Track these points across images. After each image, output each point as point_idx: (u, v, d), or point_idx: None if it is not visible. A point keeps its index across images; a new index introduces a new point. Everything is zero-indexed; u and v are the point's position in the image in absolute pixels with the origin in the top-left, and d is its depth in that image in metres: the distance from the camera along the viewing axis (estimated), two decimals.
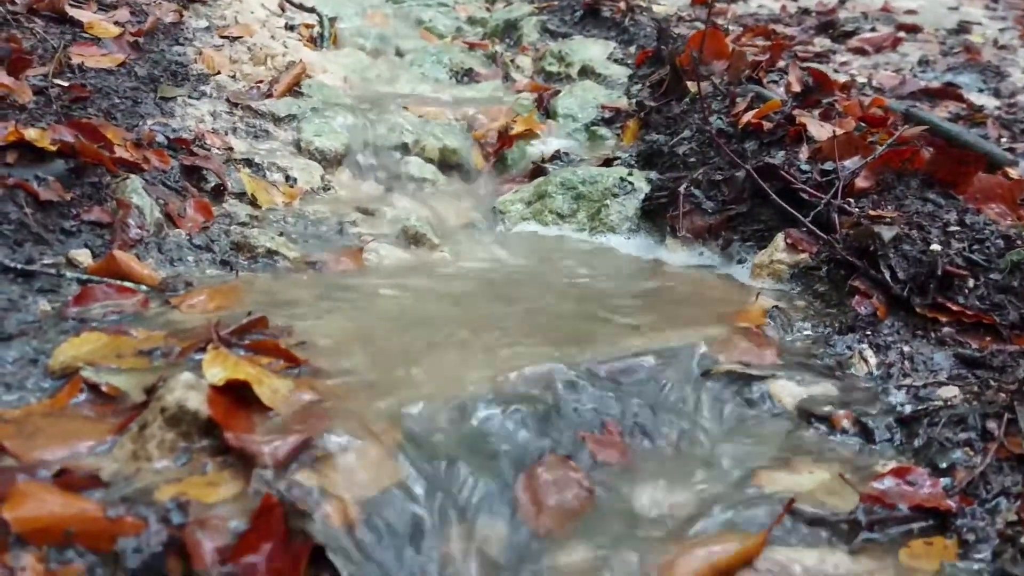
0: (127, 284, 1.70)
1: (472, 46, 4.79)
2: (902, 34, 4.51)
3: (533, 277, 2.02)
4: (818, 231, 1.80)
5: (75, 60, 2.65)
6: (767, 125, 2.23)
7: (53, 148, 1.95)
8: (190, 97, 2.80)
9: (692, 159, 2.40)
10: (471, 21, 5.38)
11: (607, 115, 3.37)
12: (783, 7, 5.01)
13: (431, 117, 3.09)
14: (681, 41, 3.66)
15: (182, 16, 3.42)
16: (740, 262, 2.07)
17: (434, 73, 4.25)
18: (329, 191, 2.56)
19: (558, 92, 3.58)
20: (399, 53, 4.60)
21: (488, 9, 5.61)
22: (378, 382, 1.37)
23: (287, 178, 2.46)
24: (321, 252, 2.08)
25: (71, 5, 3.06)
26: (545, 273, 2.06)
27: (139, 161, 2.13)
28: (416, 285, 1.88)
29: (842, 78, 3.59)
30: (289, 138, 2.79)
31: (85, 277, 1.68)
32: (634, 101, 3.47)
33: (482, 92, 3.94)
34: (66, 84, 2.47)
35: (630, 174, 2.55)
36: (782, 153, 2.11)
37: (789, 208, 1.88)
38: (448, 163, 2.94)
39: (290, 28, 4.53)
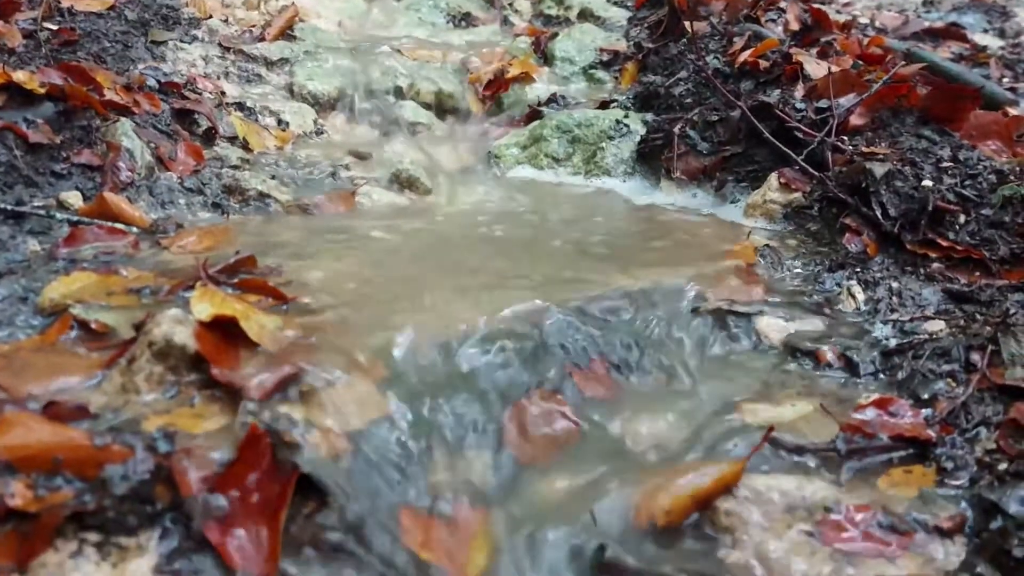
0: (118, 226, 1.70)
1: None
2: None
3: (525, 220, 2.01)
4: (811, 169, 1.79)
5: (64, 3, 2.62)
6: (763, 64, 2.20)
7: (42, 91, 1.94)
8: (181, 41, 2.77)
9: (688, 100, 2.37)
10: None
11: (605, 58, 3.33)
12: None
13: (426, 60, 3.05)
14: None
15: None
16: (734, 202, 2.06)
17: (431, 18, 4.18)
18: (322, 135, 2.55)
19: (556, 35, 3.53)
20: None
21: None
22: (366, 320, 1.37)
23: (279, 122, 2.44)
24: (313, 195, 2.08)
25: None
26: (538, 216, 2.06)
27: (129, 104, 2.12)
28: (408, 227, 1.88)
29: (844, 19, 3.54)
30: (282, 82, 2.76)
31: (75, 219, 1.68)
32: (632, 43, 3.43)
33: (480, 36, 3.89)
34: (55, 28, 2.45)
35: (626, 116, 2.52)
36: (778, 92, 2.09)
37: (783, 148, 1.87)
38: (443, 107, 2.92)
39: None
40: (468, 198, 2.26)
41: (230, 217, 1.86)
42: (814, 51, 2.32)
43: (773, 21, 2.53)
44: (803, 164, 1.80)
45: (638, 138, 2.44)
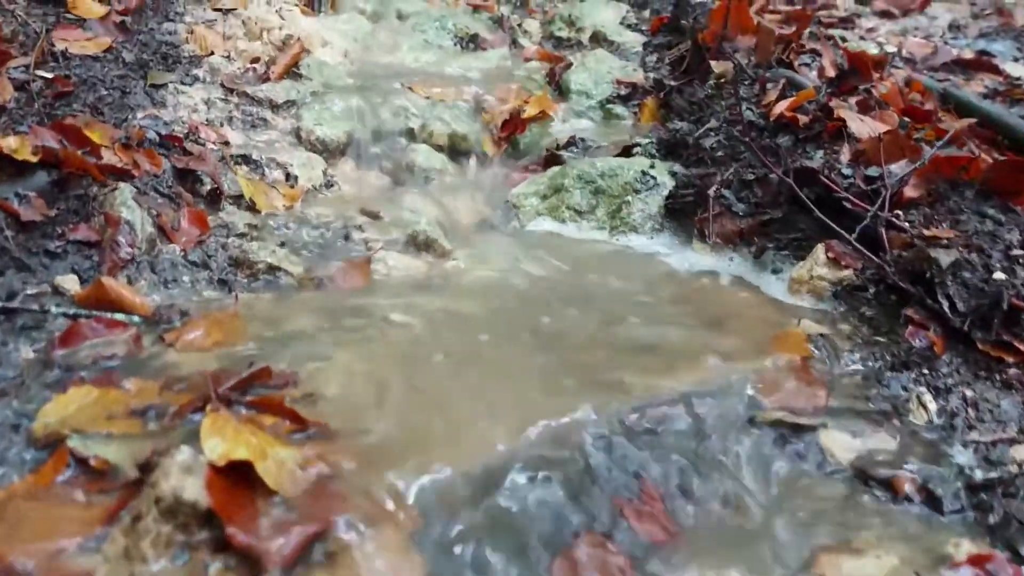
0: (117, 317, 1.56)
1: (476, 7, 4.57)
2: None
3: (552, 292, 1.88)
4: (866, 251, 1.66)
5: (59, 46, 2.48)
6: (802, 119, 2.07)
7: (35, 159, 1.80)
8: (182, 83, 2.63)
9: (720, 153, 2.24)
10: None
11: (623, 92, 3.20)
12: None
13: (438, 99, 2.92)
14: (700, 10, 3.47)
15: None
16: (775, 272, 1.93)
17: (438, 40, 4.05)
18: (332, 187, 2.41)
19: (570, 65, 3.39)
20: (400, 16, 4.39)
21: None
22: (392, 443, 1.25)
23: (287, 176, 2.31)
24: (326, 265, 1.95)
25: None
26: (565, 286, 1.93)
27: (128, 167, 1.98)
28: (428, 307, 1.74)
29: (870, 47, 3.40)
30: (288, 127, 2.62)
31: (72, 311, 1.54)
32: (650, 76, 3.29)
33: (489, 61, 3.76)
34: (50, 76, 2.31)
35: (652, 166, 2.39)
36: (820, 153, 1.96)
37: (833, 225, 1.74)
38: (457, 149, 2.78)
39: None
40: (488, 260, 2.12)
41: (238, 298, 1.72)
42: (853, 100, 2.19)
43: (807, 65, 2.40)
44: (857, 246, 1.67)
45: (666, 192, 2.31)
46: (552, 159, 2.71)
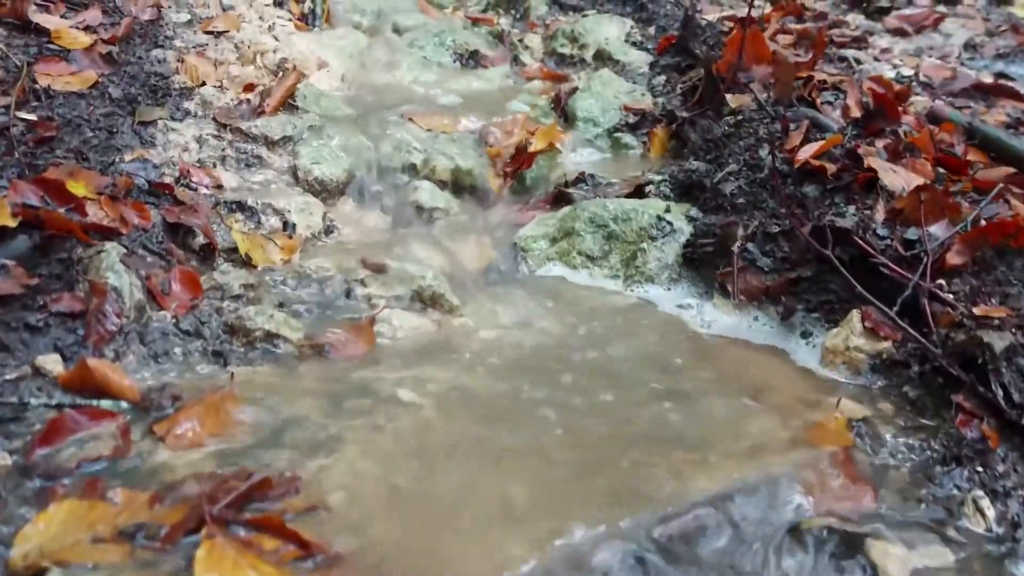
0: (103, 405, 1.45)
1: (476, 21, 4.45)
2: (941, 7, 4.18)
3: (570, 361, 1.76)
4: (909, 329, 1.55)
5: (41, 81, 2.35)
6: (830, 168, 1.96)
7: (15, 223, 1.68)
8: (172, 118, 2.51)
9: (741, 200, 2.13)
10: None
11: (631, 120, 3.08)
12: None
13: (440, 130, 2.79)
14: (709, 32, 3.35)
15: (160, 10, 3.09)
16: (805, 335, 1.82)
17: (437, 56, 3.93)
18: (332, 234, 2.29)
19: (575, 89, 3.27)
20: (397, 29, 4.27)
21: None
22: (403, 568, 1.14)
23: (285, 224, 2.18)
24: (327, 328, 1.83)
25: (37, 4, 2.74)
26: (582, 352, 1.81)
27: (116, 224, 1.86)
28: (438, 382, 1.63)
29: (886, 69, 3.29)
30: (285, 165, 2.50)
31: (55, 401, 1.42)
32: (659, 101, 3.17)
33: (491, 81, 3.64)
34: (32, 118, 2.18)
35: (667, 210, 2.27)
36: (852, 209, 1.84)
37: (870, 297, 1.63)
38: (460, 184, 2.66)
39: (279, 4, 4.18)
40: (499, 318, 2.01)
41: (234, 375, 1.60)
42: (881, 144, 2.08)
43: (830, 103, 2.28)
44: (898, 321, 1.56)
45: (683, 239, 2.19)
46: (560, 197, 2.60)
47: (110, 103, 2.40)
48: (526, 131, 2.85)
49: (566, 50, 3.98)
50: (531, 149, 2.72)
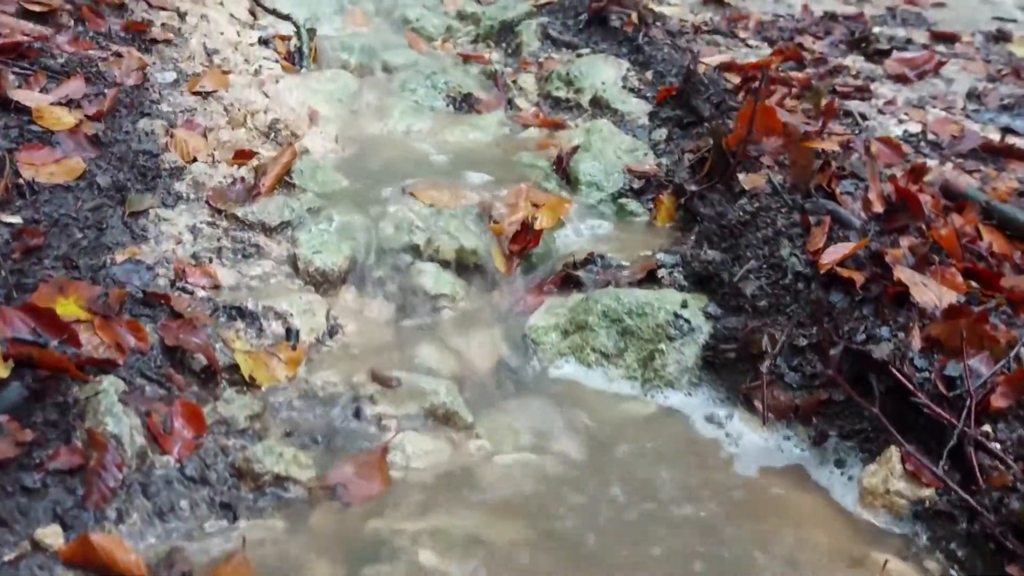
0: None
1: (467, 58, 4.35)
2: (941, 48, 4.13)
3: (589, 509, 1.68)
4: (957, 489, 1.48)
5: (25, 173, 2.23)
6: (858, 279, 1.89)
7: (7, 372, 1.57)
8: (164, 204, 2.40)
9: (762, 302, 2.05)
10: (461, 17, 4.91)
11: (636, 185, 3.00)
12: (804, 7, 4.59)
13: (442, 206, 2.69)
14: (713, 89, 3.27)
15: (145, 71, 2.96)
16: (840, 464, 1.75)
17: (430, 100, 3.84)
18: (336, 335, 2.19)
19: (576, 148, 3.18)
20: (387, 68, 4.16)
21: (479, 1, 5.12)
22: None
23: (288, 332, 2.08)
24: (338, 462, 1.74)
25: (16, 73, 2.61)
26: (602, 489, 1.73)
27: (112, 355, 1.75)
28: (457, 535, 1.55)
29: (891, 124, 3.24)
30: (284, 254, 2.39)
31: None
32: (663, 163, 3.10)
33: (486, 131, 3.55)
34: (17, 220, 2.06)
35: (684, 305, 2.20)
36: (886, 333, 1.77)
37: (905, 444, 1.56)
38: (465, 264, 2.56)
39: (264, 43, 4.07)
40: (516, 436, 1.93)
41: (245, 539, 1.51)
42: (907, 244, 2.02)
43: (850, 194, 2.21)
44: (940, 475, 1.50)
45: (702, 338, 2.12)
46: (569, 279, 2.52)
47: (98, 194, 2.28)
48: (530, 203, 2.76)
49: (561, 93, 3.90)
50: (537, 226, 2.63)
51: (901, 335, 1.75)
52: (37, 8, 3.01)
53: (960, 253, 1.98)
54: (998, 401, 1.58)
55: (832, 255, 1.98)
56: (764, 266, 2.12)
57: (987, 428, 1.55)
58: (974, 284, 1.88)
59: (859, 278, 1.90)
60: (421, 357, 2.13)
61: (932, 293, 1.81)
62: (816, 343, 1.86)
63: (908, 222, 2.09)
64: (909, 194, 2.11)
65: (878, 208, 2.13)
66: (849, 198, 2.18)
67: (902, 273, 1.86)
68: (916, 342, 1.71)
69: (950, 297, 1.81)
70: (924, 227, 2.09)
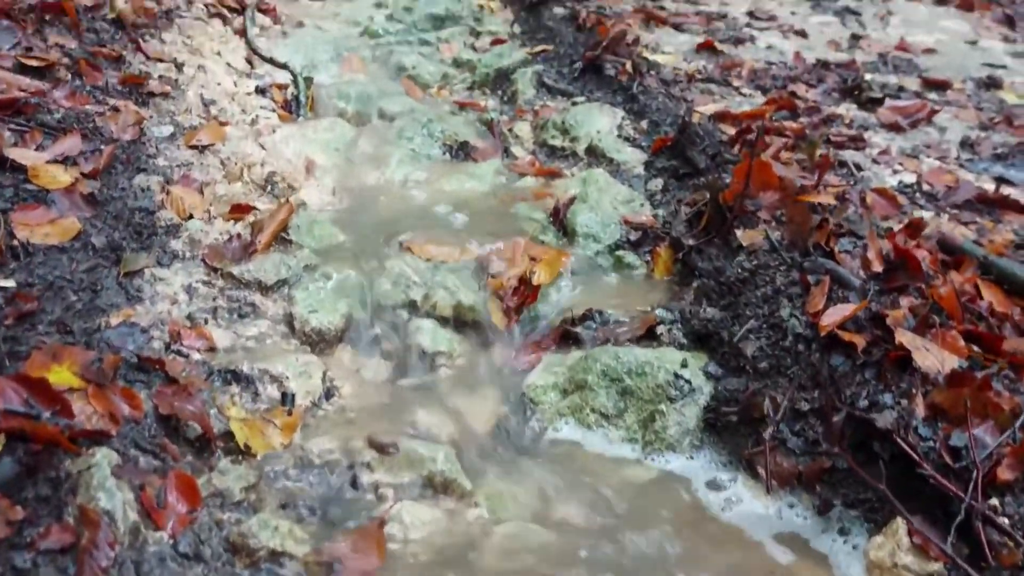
0: None
1: (463, 105, 4.37)
2: (933, 95, 4.17)
3: (592, 570, 1.65)
4: (966, 566, 1.46)
5: (19, 234, 2.21)
6: (860, 343, 1.88)
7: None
8: (160, 264, 2.38)
9: (763, 363, 2.04)
10: (457, 64, 4.94)
11: (633, 236, 3.00)
12: (796, 54, 4.63)
13: (439, 260, 2.68)
14: (708, 140, 3.28)
15: (142, 126, 2.96)
16: (844, 533, 1.73)
17: (426, 148, 3.85)
18: (332, 397, 2.17)
19: (573, 200, 3.18)
20: (384, 116, 4.18)
21: (474, 48, 5.17)
22: None
23: (284, 396, 2.05)
24: (335, 534, 1.71)
25: (12, 130, 2.60)
26: (605, 558, 1.70)
27: (105, 426, 1.73)
28: None
29: (886, 175, 3.25)
30: (280, 312, 2.37)
31: None
32: (660, 215, 3.10)
33: (483, 180, 3.55)
34: (10, 284, 2.04)
35: (684, 364, 2.18)
36: (889, 400, 1.76)
37: (909, 517, 1.54)
38: (463, 320, 2.55)
39: (261, 92, 4.09)
40: (516, 503, 1.90)
41: None
42: (907, 305, 2.01)
43: (848, 252, 2.21)
44: (949, 552, 1.48)
45: (702, 400, 2.11)
46: (567, 335, 2.50)
47: (93, 254, 2.27)
48: (528, 257, 2.75)
49: (557, 142, 3.91)
50: (535, 281, 2.62)
51: (904, 402, 1.73)
52: (35, 63, 3.02)
53: (960, 314, 1.97)
54: (1005, 473, 1.56)
55: (832, 317, 1.97)
56: (764, 326, 2.11)
57: (995, 501, 1.53)
58: (975, 348, 1.87)
59: (860, 341, 1.88)
60: (419, 420, 2.10)
61: (934, 357, 1.80)
62: (818, 408, 1.84)
63: (907, 282, 2.08)
64: (908, 254, 2.11)
65: (877, 267, 2.12)
66: (848, 256, 2.18)
67: (903, 337, 1.85)
68: (920, 409, 1.70)
69: (952, 362, 1.80)
70: (924, 286, 2.08)
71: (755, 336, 2.08)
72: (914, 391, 1.72)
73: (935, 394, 1.71)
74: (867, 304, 1.98)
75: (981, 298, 2.12)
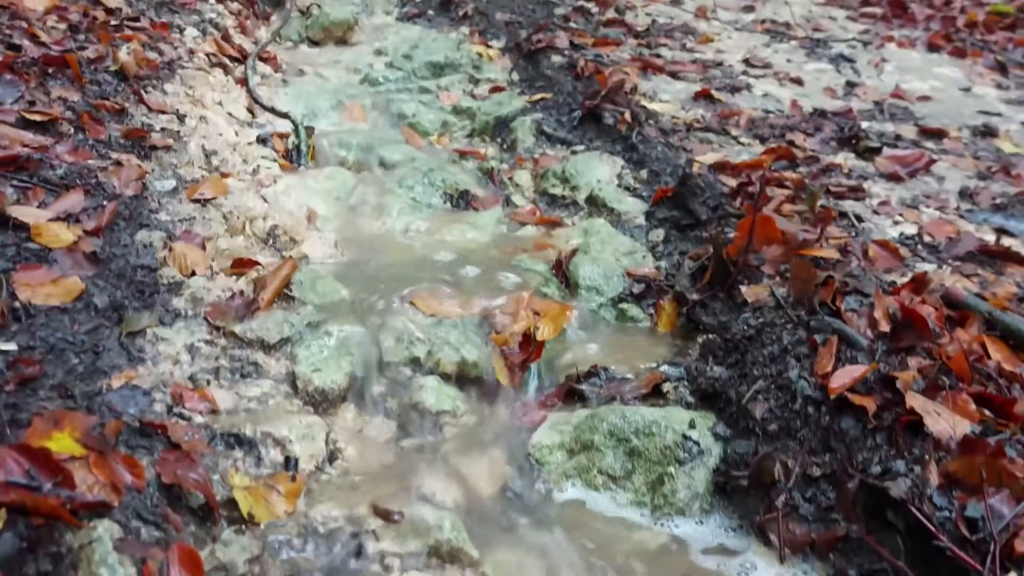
0: None
1: (463, 153, 4.40)
2: (930, 144, 4.20)
3: None
4: None
5: (21, 295, 2.19)
6: (870, 406, 1.86)
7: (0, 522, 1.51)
8: (162, 322, 2.36)
9: (772, 426, 2.02)
10: (457, 112, 4.97)
11: (636, 289, 3.00)
12: (793, 102, 4.67)
13: (442, 315, 2.67)
14: (710, 192, 3.29)
15: (144, 180, 2.96)
16: None
17: (427, 197, 3.86)
18: (335, 461, 2.14)
19: (575, 252, 3.18)
20: (384, 164, 4.19)
21: (473, 96, 5.20)
22: None
23: (287, 460, 2.03)
24: None
25: (15, 186, 2.60)
26: None
27: (107, 495, 1.70)
28: None
29: (887, 226, 3.26)
30: (282, 371, 2.35)
31: None
32: (663, 267, 3.10)
33: (484, 229, 3.56)
34: (12, 348, 2.02)
35: (692, 425, 2.16)
36: (901, 465, 1.74)
37: None
38: (467, 376, 2.53)
39: (262, 142, 4.11)
40: (520, 572, 1.87)
41: None
42: (915, 367, 2.00)
43: (855, 311, 2.20)
44: None
45: (711, 461, 2.08)
46: (572, 392, 2.48)
47: (95, 315, 2.25)
48: (532, 311, 2.74)
49: (557, 191, 3.93)
50: (539, 337, 2.61)
51: (918, 469, 1.72)
52: (37, 117, 3.02)
53: (969, 375, 1.96)
54: (1022, 546, 1.54)
55: (841, 379, 1.95)
56: (772, 386, 2.09)
57: (1013, 575, 1.51)
58: (986, 411, 1.86)
59: (871, 405, 1.87)
60: (424, 483, 2.07)
61: (946, 422, 1.79)
62: (830, 473, 1.82)
63: (915, 342, 2.07)
64: (915, 314, 2.10)
65: (884, 327, 2.11)
66: (854, 315, 2.17)
67: (914, 401, 1.84)
68: (934, 477, 1.68)
69: (964, 427, 1.78)
70: (931, 345, 2.07)
71: (764, 397, 2.07)
72: (927, 458, 1.70)
73: (949, 463, 1.69)
74: (876, 366, 1.96)
75: (988, 357, 2.11)
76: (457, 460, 2.23)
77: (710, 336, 2.41)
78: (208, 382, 2.21)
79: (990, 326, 2.37)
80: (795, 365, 2.08)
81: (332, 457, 2.13)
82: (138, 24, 4.32)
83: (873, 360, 2.00)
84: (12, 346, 2.03)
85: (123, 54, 3.75)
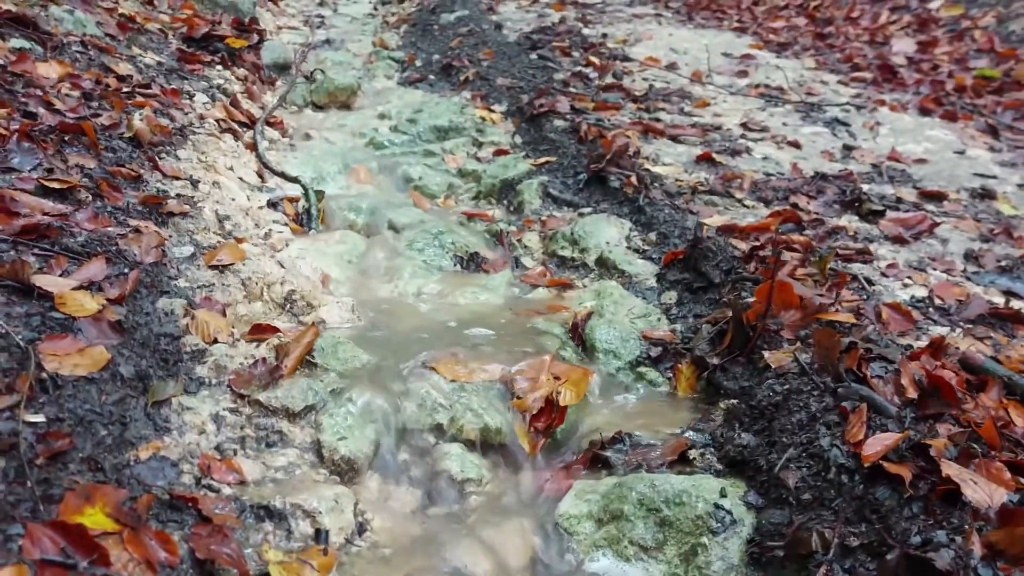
0: None
1: (471, 216, 4.44)
2: (931, 207, 4.28)
3: None
4: None
5: (48, 366, 2.17)
6: (905, 475, 1.87)
7: None
8: (187, 392, 2.35)
9: (806, 495, 2.02)
10: (462, 174, 5.03)
11: (653, 352, 3.01)
12: (794, 165, 4.76)
13: (463, 380, 2.67)
14: (722, 256, 3.33)
15: (163, 247, 2.97)
16: None
17: (437, 260, 3.89)
18: (364, 532, 2.11)
19: (590, 315, 3.20)
20: (393, 227, 4.23)
21: (478, 159, 5.27)
22: None
23: (317, 533, 2.01)
24: None
25: (36, 255, 2.60)
26: None
27: (143, 575, 1.67)
28: None
29: (898, 289, 3.30)
30: (307, 440, 2.34)
31: None
32: (678, 330, 3.12)
33: (496, 292, 3.58)
34: (41, 419, 2.00)
35: (723, 493, 2.15)
36: (942, 535, 1.74)
37: None
38: (490, 443, 2.52)
39: (273, 206, 4.14)
40: None
41: None
42: (946, 434, 2.01)
43: (880, 378, 2.22)
44: None
45: (745, 533, 2.07)
46: (597, 458, 2.48)
47: (122, 384, 2.23)
48: (552, 376, 2.74)
49: (567, 253, 3.96)
50: (562, 402, 2.61)
51: (959, 539, 1.72)
52: (56, 184, 3.04)
53: (999, 443, 1.98)
54: None
55: (874, 448, 1.96)
56: (804, 454, 2.09)
57: None
58: (1020, 478, 1.87)
59: (906, 474, 1.87)
60: (453, 556, 2.05)
61: (983, 491, 1.79)
62: (868, 544, 1.82)
63: (942, 409, 2.09)
64: (941, 381, 2.12)
65: (912, 394, 2.13)
66: (880, 382, 2.19)
67: (950, 469, 1.84)
68: (976, 548, 1.68)
69: (1000, 495, 1.79)
70: (958, 412, 2.08)
71: (795, 465, 2.07)
72: (968, 528, 1.70)
73: (991, 533, 1.69)
74: (907, 434, 1.97)
75: (1014, 423, 2.13)
76: (484, 530, 2.21)
77: (734, 402, 2.41)
78: (235, 452, 2.20)
79: (1010, 390, 2.39)
80: (826, 433, 2.08)
81: (361, 529, 2.11)
82: (149, 91, 4.37)
83: (903, 427, 2.01)
84: (41, 418, 2.01)
85: (137, 121, 3.79)
